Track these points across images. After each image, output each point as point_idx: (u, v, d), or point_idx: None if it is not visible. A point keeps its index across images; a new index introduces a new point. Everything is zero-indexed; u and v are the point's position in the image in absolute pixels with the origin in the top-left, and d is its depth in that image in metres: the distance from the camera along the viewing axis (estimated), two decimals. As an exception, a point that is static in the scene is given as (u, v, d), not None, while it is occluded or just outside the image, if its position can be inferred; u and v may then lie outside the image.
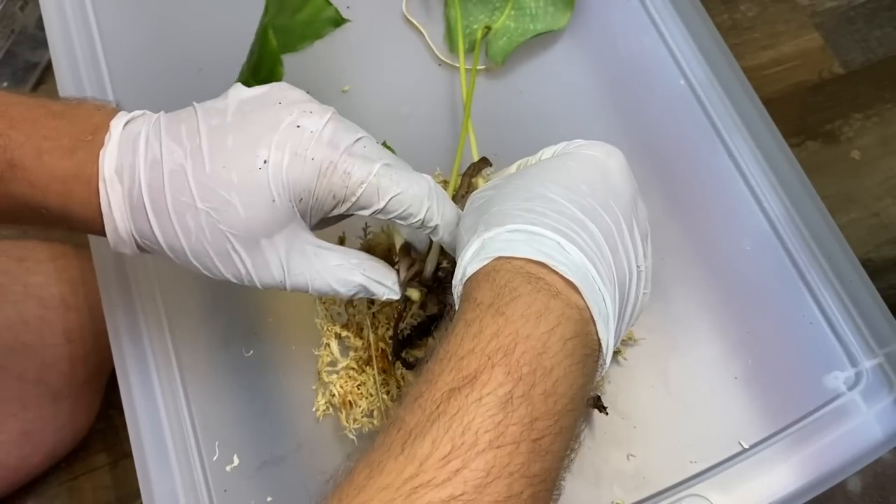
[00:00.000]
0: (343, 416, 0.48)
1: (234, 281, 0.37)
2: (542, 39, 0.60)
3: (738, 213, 0.54)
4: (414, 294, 0.44)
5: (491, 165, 0.48)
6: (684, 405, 0.49)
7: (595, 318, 0.32)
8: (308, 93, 0.49)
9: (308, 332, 0.51)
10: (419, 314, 0.49)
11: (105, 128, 0.35)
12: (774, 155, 0.55)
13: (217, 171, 0.34)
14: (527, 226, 0.33)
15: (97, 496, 0.77)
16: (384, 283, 0.40)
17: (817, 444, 0.48)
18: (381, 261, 0.41)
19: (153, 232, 0.35)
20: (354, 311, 0.50)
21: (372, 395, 0.48)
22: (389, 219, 0.37)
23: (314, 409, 0.49)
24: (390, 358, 0.48)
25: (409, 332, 0.48)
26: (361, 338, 0.49)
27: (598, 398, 0.47)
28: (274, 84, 0.38)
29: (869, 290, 0.51)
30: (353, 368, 0.49)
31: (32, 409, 0.71)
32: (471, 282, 0.33)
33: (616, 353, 0.50)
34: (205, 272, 0.36)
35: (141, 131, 0.35)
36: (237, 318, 0.51)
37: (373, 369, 0.48)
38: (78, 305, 0.75)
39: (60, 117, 0.35)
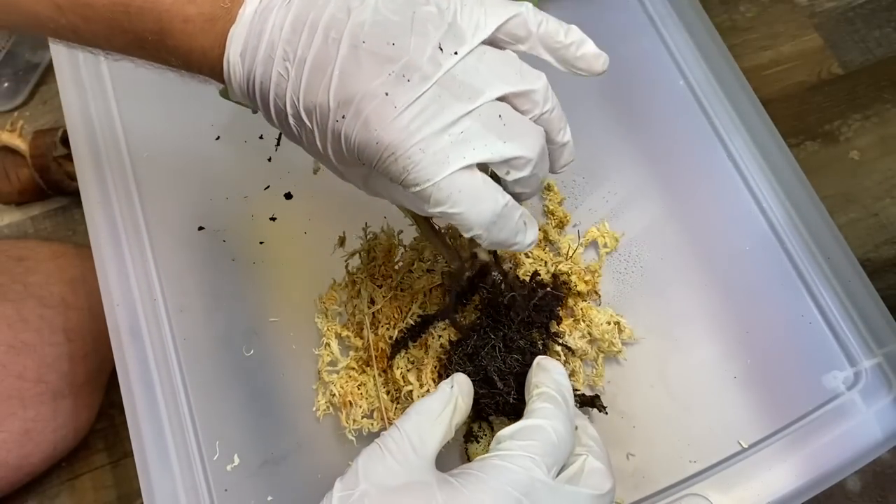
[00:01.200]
0: (343, 416, 0.48)
1: None
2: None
3: (738, 213, 0.54)
4: (483, 255, 0.46)
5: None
6: (684, 405, 0.50)
7: None
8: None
9: (308, 331, 0.51)
10: (417, 312, 0.49)
11: None
12: (773, 155, 0.55)
13: (308, 106, 0.34)
14: None
15: (98, 495, 0.77)
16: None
17: (816, 444, 0.48)
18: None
19: (263, 111, 0.36)
20: (355, 310, 0.50)
21: (372, 396, 0.48)
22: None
23: (314, 409, 0.49)
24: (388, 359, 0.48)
25: (403, 333, 0.48)
26: (362, 337, 0.49)
27: (598, 397, 0.47)
28: (404, 5, 0.34)
29: (868, 290, 0.51)
30: (353, 368, 0.49)
31: (32, 408, 0.71)
32: None
33: (616, 352, 0.50)
34: None
35: (273, 12, 0.34)
36: (237, 318, 0.51)
37: (373, 369, 0.49)
38: (78, 304, 0.75)
39: None
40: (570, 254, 0.51)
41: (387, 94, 0.32)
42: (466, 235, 0.35)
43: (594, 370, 0.50)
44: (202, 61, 0.35)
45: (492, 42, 0.35)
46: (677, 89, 0.58)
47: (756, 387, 0.50)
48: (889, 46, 0.93)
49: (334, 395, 0.48)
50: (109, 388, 0.78)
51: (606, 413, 0.47)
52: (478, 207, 0.34)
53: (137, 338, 0.50)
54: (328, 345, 0.50)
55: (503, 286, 0.47)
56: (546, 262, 0.51)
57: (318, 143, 0.35)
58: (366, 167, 0.35)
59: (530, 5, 0.36)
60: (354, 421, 0.48)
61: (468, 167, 0.33)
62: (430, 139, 0.32)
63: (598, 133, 0.57)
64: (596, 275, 0.52)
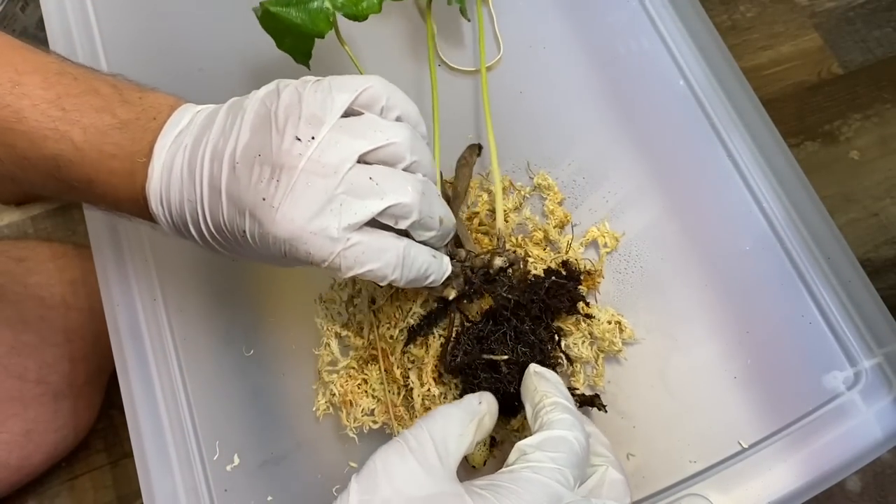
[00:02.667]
0: (343, 416, 0.48)
1: None
2: (542, 38, 0.60)
3: (738, 213, 0.54)
4: (451, 293, 0.45)
5: (479, 152, 0.48)
6: (684, 405, 0.50)
7: None
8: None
9: (308, 331, 0.51)
10: (418, 312, 0.49)
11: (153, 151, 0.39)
12: (774, 155, 0.55)
13: (217, 226, 0.38)
14: None
15: (98, 495, 0.77)
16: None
17: (816, 444, 0.48)
18: None
19: (198, 242, 0.40)
20: (355, 310, 0.50)
21: (373, 394, 0.48)
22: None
23: (314, 409, 0.49)
24: (391, 357, 0.48)
25: (421, 321, 0.48)
26: (362, 337, 0.50)
27: (597, 396, 0.47)
28: (263, 117, 0.37)
29: (868, 290, 0.51)
30: (353, 368, 0.49)
31: (33, 409, 0.72)
32: None
33: (616, 352, 0.50)
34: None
35: (175, 161, 0.38)
36: (237, 318, 0.51)
37: (376, 368, 0.49)
38: (78, 305, 0.75)
39: (123, 129, 0.39)
40: (567, 249, 0.52)
41: (264, 199, 0.36)
42: (383, 284, 0.38)
43: (594, 370, 0.50)
44: (132, 209, 0.40)
45: (348, 113, 0.38)
46: (677, 89, 0.58)
47: (756, 387, 0.50)
48: (889, 46, 0.94)
49: (334, 394, 0.48)
50: (109, 388, 0.78)
51: (606, 411, 0.47)
52: (383, 259, 0.37)
53: (137, 338, 0.50)
54: (328, 345, 0.50)
55: (516, 280, 0.47)
56: (546, 262, 0.51)
57: (243, 252, 0.39)
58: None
59: (379, 78, 0.39)
60: (355, 419, 0.48)
61: (360, 230, 0.36)
62: (314, 222, 0.35)
63: (598, 133, 0.57)
64: (597, 275, 0.52)
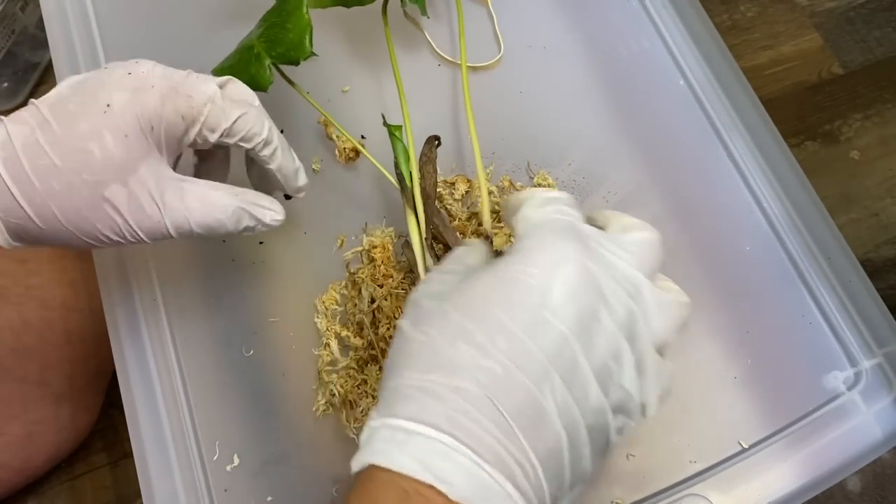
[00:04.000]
0: (343, 416, 0.48)
1: (116, 237, 0.37)
2: (542, 38, 0.60)
3: (738, 213, 0.54)
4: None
5: (439, 143, 0.47)
6: (684, 405, 0.49)
7: None
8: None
9: (308, 332, 0.51)
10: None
11: None
12: (774, 155, 0.55)
13: (66, 129, 0.35)
14: (409, 423, 0.29)
15: (98, 496, 0.77)
16: (262, 204, 0.41)
17: (817, 444, 0.48)
18: (254, 191, 0.42)
19: (20, 205, 0.34)
20: (355, 310, 0.50)
21: (373, 394, 0.48)
22: (235, 142, 0.39)
23: (314, 409, 0.49)
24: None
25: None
26: (362, 337, 0.50)
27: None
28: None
29: (868, 290, 0.51)
30: (353, 368, 0.49)
31: (35, 411, 0.72)
32: (354, 488, 0.30)
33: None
34: (84, 239, 0.37)
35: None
36: (237, 318, 0.51)
37: (376, 368, 0.49)
38: (79, 306, 0.75)
39: None
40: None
41: (130, 73, 0.37)
42: (262, 137, 0.40)
43: (594, 370, 0.50)
44: None
45: None
46: (677, 89, 0.58)
47: (756, 387, 0.50)
48: (889, 46, 0.94)
49: (334, 394, 0.48)
50: (110, 388, 0.78)
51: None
52: (252, 103, 0.41)
53: (137, 338, 0.50)
54: (328, 345, 0.50)
55: None
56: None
57: (96, 153, 0.35)
58: (151, 158, 0.37)
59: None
60: (355, 419, 0.48)
61: None
62: (185, 78, 0.39)
63: (598, 133, 0.57)
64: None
